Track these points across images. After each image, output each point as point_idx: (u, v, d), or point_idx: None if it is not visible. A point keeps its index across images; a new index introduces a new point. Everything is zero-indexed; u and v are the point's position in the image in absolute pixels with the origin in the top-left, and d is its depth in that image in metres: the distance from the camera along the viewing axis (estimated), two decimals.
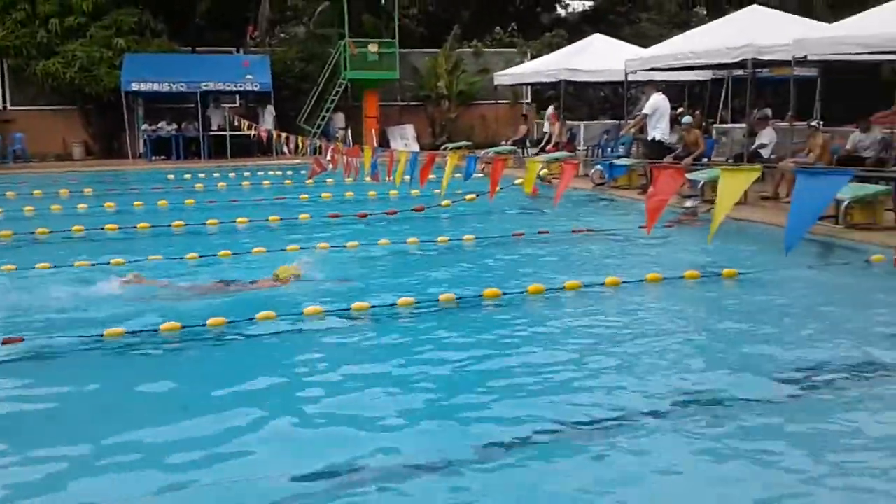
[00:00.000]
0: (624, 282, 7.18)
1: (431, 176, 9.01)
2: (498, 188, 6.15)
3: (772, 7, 18.78)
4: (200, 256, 8.68)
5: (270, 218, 11.51)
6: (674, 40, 16.07)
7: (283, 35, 29.62)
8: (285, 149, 14.60)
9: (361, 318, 6.25)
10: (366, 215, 11.43)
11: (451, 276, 7.71)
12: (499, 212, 12.31)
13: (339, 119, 24.16)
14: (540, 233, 9.81)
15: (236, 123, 20.55)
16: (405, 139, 25.78)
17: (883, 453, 3.92)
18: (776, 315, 6.37)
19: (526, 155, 20.16)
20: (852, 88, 22.25)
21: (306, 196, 13.62)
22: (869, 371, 5.02)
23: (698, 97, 22.84)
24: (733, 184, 3.46)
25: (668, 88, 25.47)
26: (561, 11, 38.73)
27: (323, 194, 13.73)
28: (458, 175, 8.98)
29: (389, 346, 5.74)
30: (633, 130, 16.65)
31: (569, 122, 21.63)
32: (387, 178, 8.89)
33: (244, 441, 4.05)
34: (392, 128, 25.79)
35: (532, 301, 6.77)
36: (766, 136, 14.71)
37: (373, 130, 23.81)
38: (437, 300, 6.56)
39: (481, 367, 5.21)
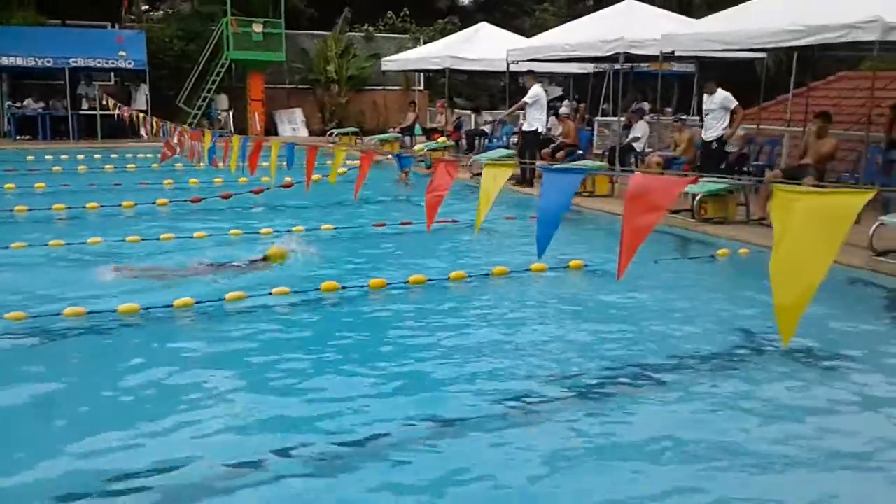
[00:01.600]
0: (470, 275, 7.06)
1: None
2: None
3: (653, 4, 19.22)
4: (28, 246, 8.05)
5: (124, 203, 10.88)
6: (552, 32, 16.16)
7: (169, 11, 28.35)
8: (142, 130, 13.83)
9: (183, 316, 5.89)
10: (199, 200, 10.94)
11: (293, 269, 7.36)
12: (371, 201, 12.04)
13: (222, 101, 23.28)
14: (402, 224, 9.59)
15: (104, 102, 19.44)
16: (293, 124, 25.14)
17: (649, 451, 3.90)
18: (605, 308, 6.38)
19: (413, 143, 19.98)
20: (729, 84, 23.10)
21: (171, 181, 12.98)
22: (678, 367, 5.05)
23: (593, 89, 23.14)
24: (491, 178, 3.31)
25: (561, 80, 25.96)
26: None
27: (190, 180, 13.12)
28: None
29: (213, 342, 5.40)
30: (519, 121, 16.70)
31: (457, 111, 21.60)
32: (221, 164, 8.48)
33: None
34: (280, 112, 25.07)
35: (373, 296, 6.56)
36: (640, 130, 14.99)
37: (256, 113, 23.02)
38: (270, 293, 6.25)
39: (304, 363, 4.96)
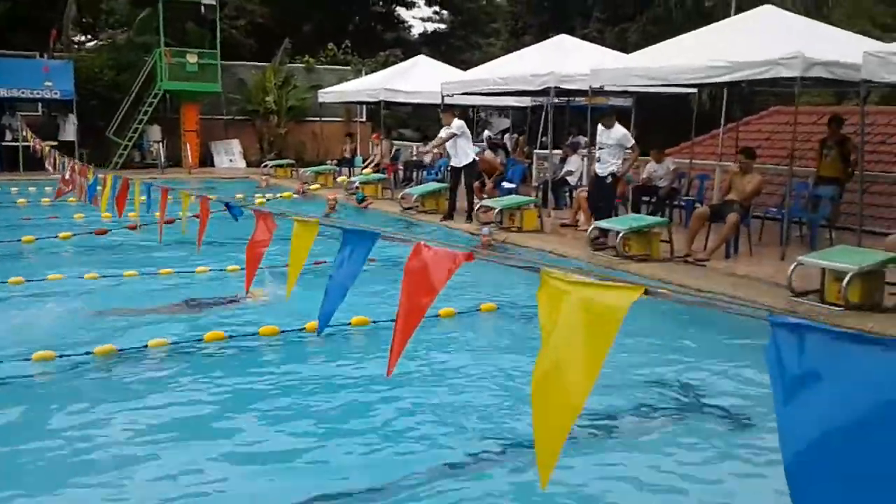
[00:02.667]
0: (332, 327, 6.59)
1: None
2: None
3: (592, 41, 19.24)
4: None
5: (24, 239, 10.25)
6: (485, 66, 16.01)
7: (108, 41, 27.61)
8: (47, 163, 13.19)
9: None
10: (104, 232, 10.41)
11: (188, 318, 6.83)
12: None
13: (155, 132, 22.62)
14: (315, 263, 9.10)
15: (24, 134, 18.69)
16: (230, 155, 24.60)
17: None
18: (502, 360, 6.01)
19: (351, 174, 19.56)
20: (667, 118, 23.23)
21: (82, 215, 12.32)
22: None
23: (532, 123, 23.05)
24: (301, 237, 2.87)
25: (510, 113, 25.87)
26: (413, 31, 38.63)
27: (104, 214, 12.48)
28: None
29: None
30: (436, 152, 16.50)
31: (396, 143, 21.38)
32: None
33: None
34: (216, 143, 24.53)
35: (262, 345, 6.09)
36: (573, 164, 14.84)
37: (188, 145, 22.36)
38: (146, 346, 5.74)
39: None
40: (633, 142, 10.85)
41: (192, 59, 22.28)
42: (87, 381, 5.18)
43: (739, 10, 14.40)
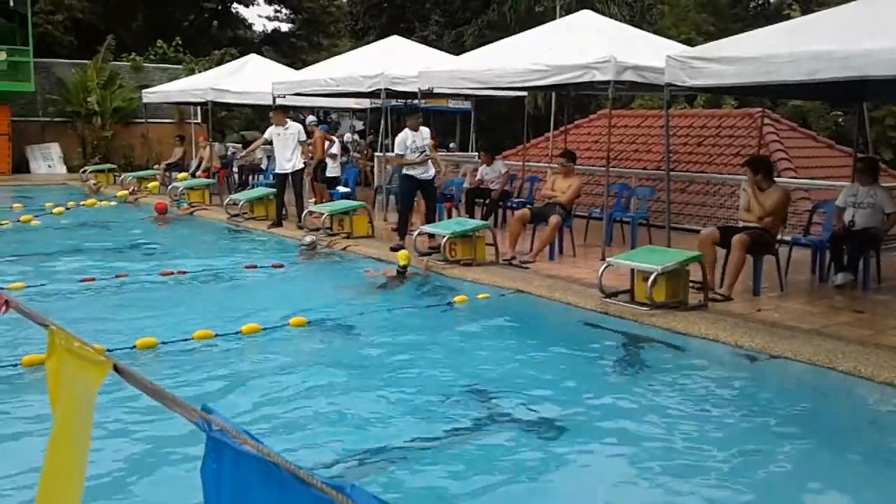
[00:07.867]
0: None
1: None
2: None
3: (430, 44, 19.19)
4: None
5: None
6: (316, 66, 15.58)
7: None
8: None
9: None
10: None
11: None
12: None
13: None
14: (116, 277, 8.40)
15: None
16: (49, 160, 22.78)
17: None
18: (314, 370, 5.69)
19: (173, 180, 18.46)
20: (507, 121, 23.65)
21: None
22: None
23: (372, 124, 22.75)
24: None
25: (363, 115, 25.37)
26: (255, 30, 37.33)
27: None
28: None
29: None
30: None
31: (230, 146, 20.51)
32: None
33: None
34: (33, 147, 22.63)
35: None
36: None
37: None
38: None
39: None
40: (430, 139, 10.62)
41: (0, 56, 20.43)
42: None
43: (567, 15, 14.75)
